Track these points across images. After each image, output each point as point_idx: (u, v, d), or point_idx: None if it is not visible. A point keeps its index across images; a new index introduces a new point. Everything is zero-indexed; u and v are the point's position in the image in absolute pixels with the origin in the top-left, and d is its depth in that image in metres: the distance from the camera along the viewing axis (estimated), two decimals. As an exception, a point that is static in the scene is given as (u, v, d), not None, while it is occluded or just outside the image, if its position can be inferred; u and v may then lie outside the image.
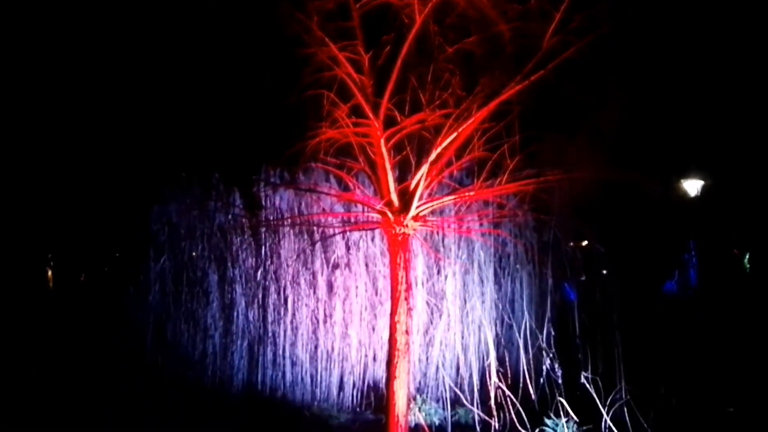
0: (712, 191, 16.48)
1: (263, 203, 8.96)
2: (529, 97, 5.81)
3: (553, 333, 7.34)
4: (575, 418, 6.67)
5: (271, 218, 8.87)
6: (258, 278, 8.77)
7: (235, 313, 8.77)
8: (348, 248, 8.66)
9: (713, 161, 15.89)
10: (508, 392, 7.09)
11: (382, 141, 5.79)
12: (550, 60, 5.61)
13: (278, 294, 8.70)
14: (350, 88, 5.86)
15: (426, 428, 6.74)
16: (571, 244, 8.22)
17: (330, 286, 8.63)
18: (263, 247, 8.83)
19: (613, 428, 6.49)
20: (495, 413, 7.04)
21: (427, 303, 8.34)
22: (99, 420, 7.10)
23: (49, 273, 15.87)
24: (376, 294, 8.52)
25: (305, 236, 8.78)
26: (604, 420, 6.58)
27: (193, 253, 9.16)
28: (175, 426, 7.09)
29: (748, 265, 17.96)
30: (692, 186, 15.99)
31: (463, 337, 8.01)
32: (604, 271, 8.99)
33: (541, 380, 7.18)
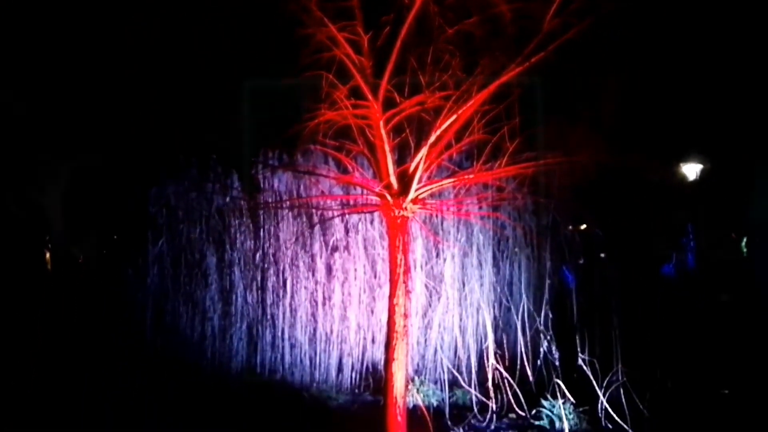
0: (711, 175, 16.49)
1: (261, 186, 8.94)
2: (530, 79, 5.77)
3: (551, 316, 7.37)
4: (572, 399, 6.72)
5: (270, 201, 8.85)
6: (256, 261, 8.78)
7: (234, 296, 8.79)
8: (347, 231, 8.65)
9: (712, 145, 15.88)
10: (505, 374, 7.14)
11: (381, 123, 5.75)
12: (551, 41, 5.55)
13: (277, 276, 8.72)
14: (349, 69, 5.80)
15: (424, 409, 6.79)
16: (570, 227, 8.23)
17: (329, 269, 8.64)
18: (261, 230, 8.82)
19: (609, 409, 6.55)
20: (492, 395, 7.10)
21: (426, 286, 8.36)
22: (98, 406, 7.15)
23: (47, 255, 15.87)
24: (375, 277, 8.54)
25: (304, 219, 8.77)
26: (600, 401, 6.63)
27: (192, 236, 9.16)
28: (174, 407, 7.13)
29: (745, 249, 18.04)
30: (691, 170, 15.99)
31: (461, 320, 8.04)
32: (603, 255, 9.02)
33: (539, 362, 7.23)
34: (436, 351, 8.07)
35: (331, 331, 8.53)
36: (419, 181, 5.92)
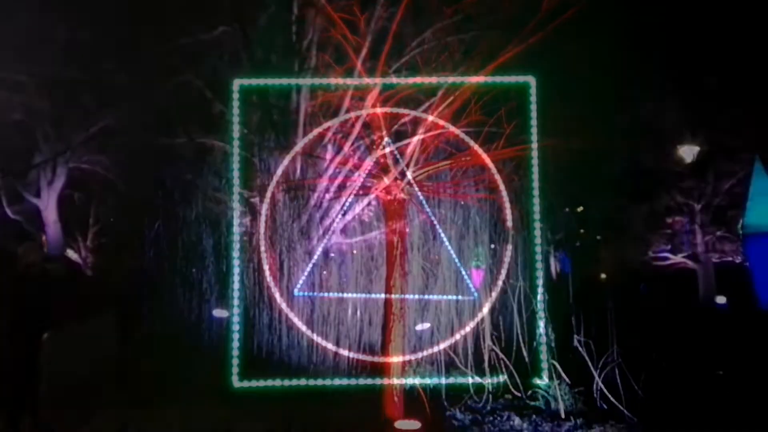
0: (709, 157, 16.47)
1: (259, 167, 8.90)
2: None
3: (546, 297, 7.38)
4: (567, 380, 6.76)
5: (267, 183, 8.81)
6: (254, 243, 8.76)
7: (231, 279, 8.77)
8: (344, 213, 8.63)
9: (710, 127, 15.85)
10: (501, 355, 7.17)
11: (378, 104, 5.72)
12: (549, 22, 5.52)
13: (275, 259, 8.70)
14: (346, 50, 5.76)
15: (421, 391, 6.83)
16: (567, 209, 8.23)
17: (326, 251, 8.64)
18: (259, 212, 8.79)
19: (605, 390, 6.60)
20: (489, 376, 7.14)
21: (423, 268, 8.36)
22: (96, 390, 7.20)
23: (44, 238, 15.80)
24: (372, 259, 8.54)
25: (301, 201, 8.74)
26: (595, 382, 6.68)
27: (188, 219, 9.14)
28: (172, 392, 7.17)
29: (741, 232, 18.09)
30: (688, 152, 15.96)
31: (457, 302, 8.06)
32: (599, 237, 9.03)
33: (534, 343, 7.26)
34: (432, 333, 8.09)
35: (329, 314, 8.54)
36: (416, 164, 5.91)
